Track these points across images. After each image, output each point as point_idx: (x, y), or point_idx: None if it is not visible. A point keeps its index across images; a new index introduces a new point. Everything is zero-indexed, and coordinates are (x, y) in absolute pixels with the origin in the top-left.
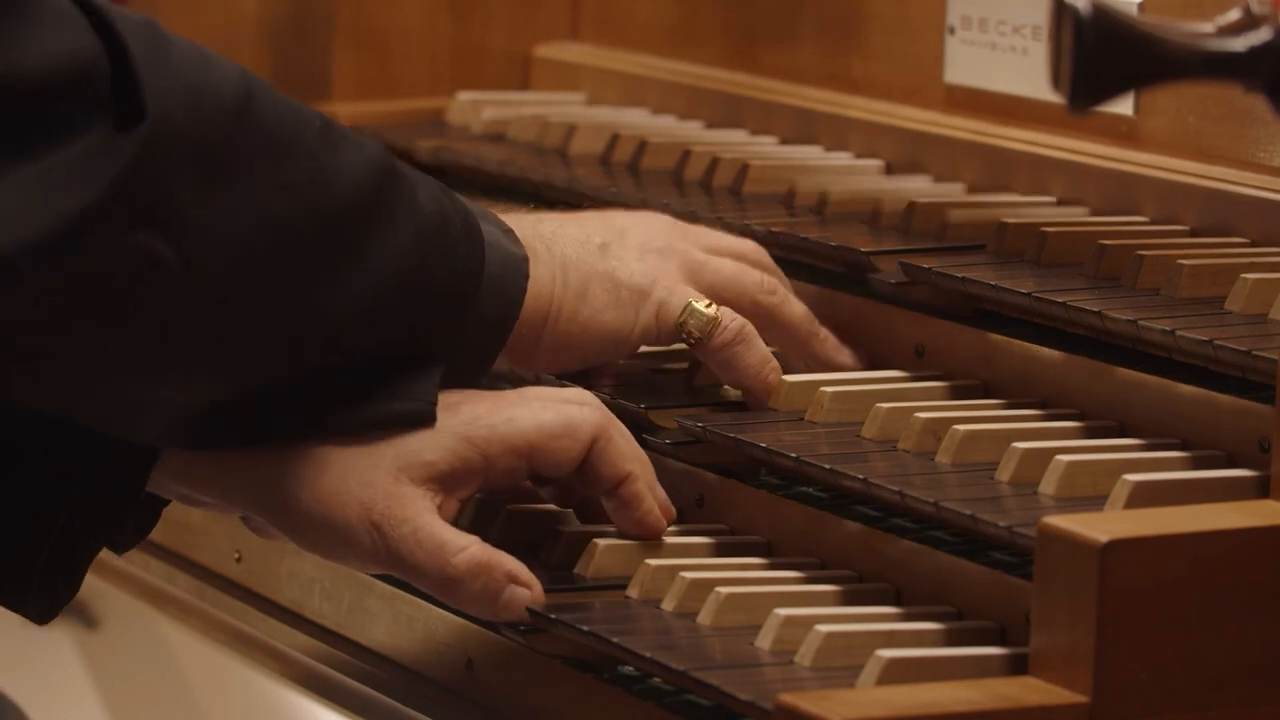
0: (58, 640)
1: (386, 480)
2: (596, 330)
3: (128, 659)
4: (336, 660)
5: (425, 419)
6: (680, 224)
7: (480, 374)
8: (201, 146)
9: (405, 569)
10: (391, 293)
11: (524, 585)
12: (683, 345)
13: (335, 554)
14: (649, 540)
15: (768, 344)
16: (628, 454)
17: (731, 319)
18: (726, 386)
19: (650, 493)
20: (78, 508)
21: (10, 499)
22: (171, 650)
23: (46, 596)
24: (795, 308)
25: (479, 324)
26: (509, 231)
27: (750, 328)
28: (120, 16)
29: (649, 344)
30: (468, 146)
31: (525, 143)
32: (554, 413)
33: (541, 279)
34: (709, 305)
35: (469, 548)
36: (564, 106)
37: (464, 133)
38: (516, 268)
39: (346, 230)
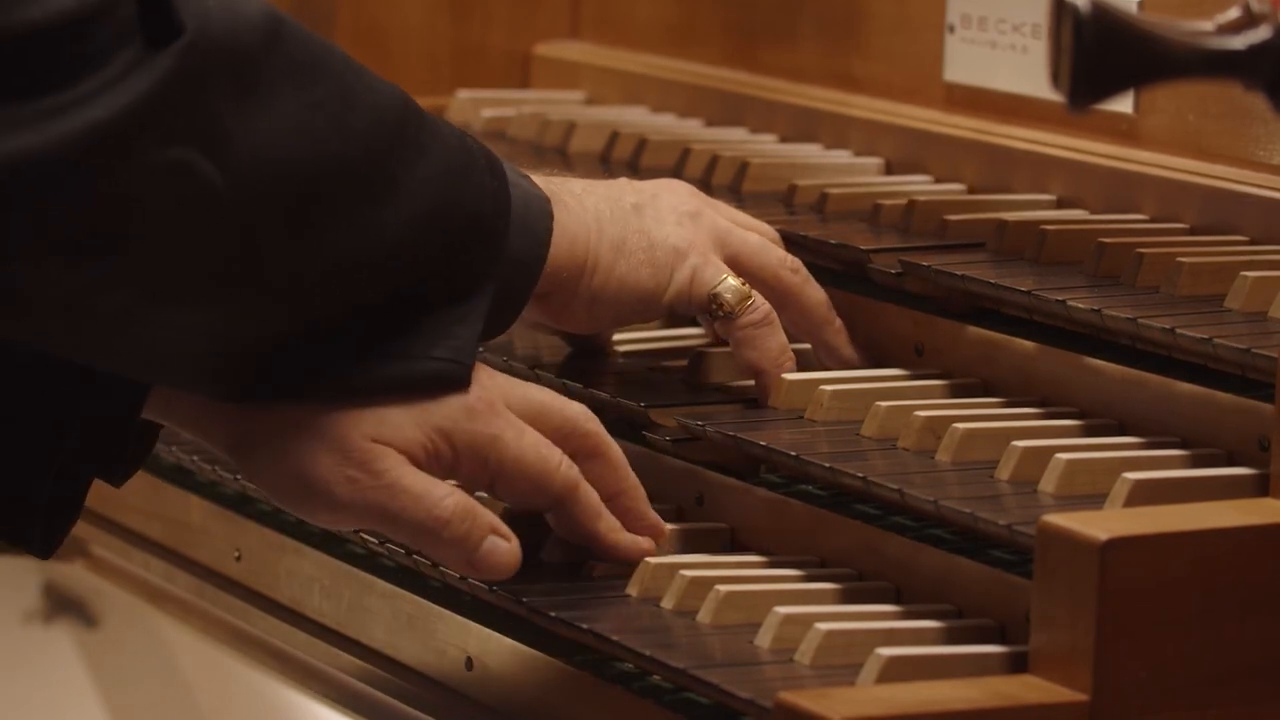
0: (57, 639)
1: (363, 440)
2: (633, 287)
3: (127, 658)
4: (336, 659)
5: (460, 381)
6: (701, 193)
7: (511, 318)
8: (237, 62)
9: (385, 516)
10: (424, 220)
11: (504, 538)
12: (682, 343)
13: (305, 506)
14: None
15: (781, 324)
16: (590, 512)
17: (762, 301)
18: (727, 384)
19: (616, 538)
20: (77, 436)
21: (10, 432)
22: (171, 649)
23: (48, 528)
24: (816, 291)
25: (512, 261)
26: (525, 175)
27: (775, 315)
28: None
29: (677, 309)
30: None
31: (525, 141)
32: (535, 456)
33: (575, 229)
34: (743, 282)
35: (453, 493)
36: (564, 105)
37: (464, 131)
38: (540, 207)
39: (377, 153)
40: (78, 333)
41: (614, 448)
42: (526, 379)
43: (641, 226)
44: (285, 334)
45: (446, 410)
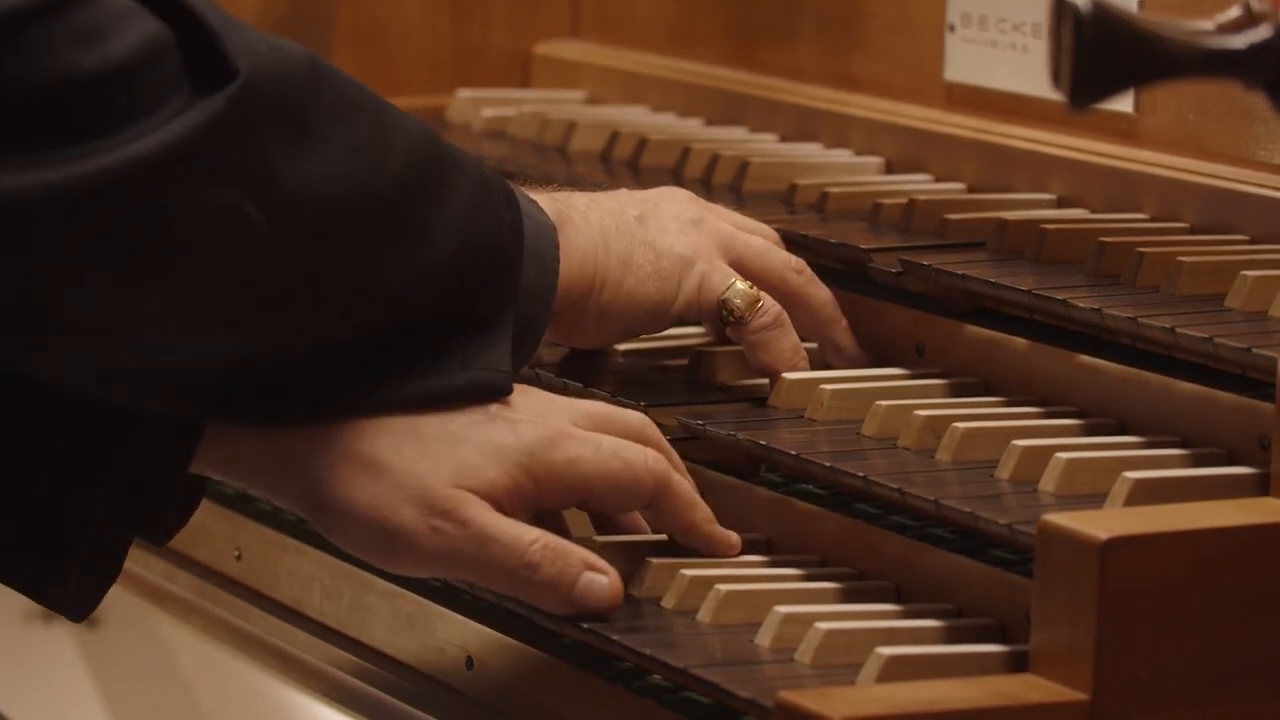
0: (58, 639)
1: (444, 486)
2: (641, 300)
3: (128, 657)
4: (337, 658)
5: (502, 389)
6: (701, 200)
7: (533, 346)
8: (287, 105)
9: (475, 566)
10: (454, 256)
11: (600, 571)
12: (682, 342)
13: (390, 559)
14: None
15: None
16: (687, 502)
17: (772, 303)
18: (727, 383)
19: (712, 527)
20: (115, 493)
21: (45, 483)
22: (172, 648)
23: (82, 589)
24: (821, 290)
25: (526, 291)
26: (533, 201)
27: (786, 315)
28: None
29: (686, 319)
30: (468, 144)
31: (525, 140)
32: (620, 462)
33: (584, 248)
34: (751, 286)
35: (541, 536)
36: (564, 105)
37: (464, 130)
38: (548, 235)
39: (411, 193)
40: (114, 357)
41: (674, 453)
42: (528, 380)
43: (646, 238)
44: (317, 357)
45: (520, 445)
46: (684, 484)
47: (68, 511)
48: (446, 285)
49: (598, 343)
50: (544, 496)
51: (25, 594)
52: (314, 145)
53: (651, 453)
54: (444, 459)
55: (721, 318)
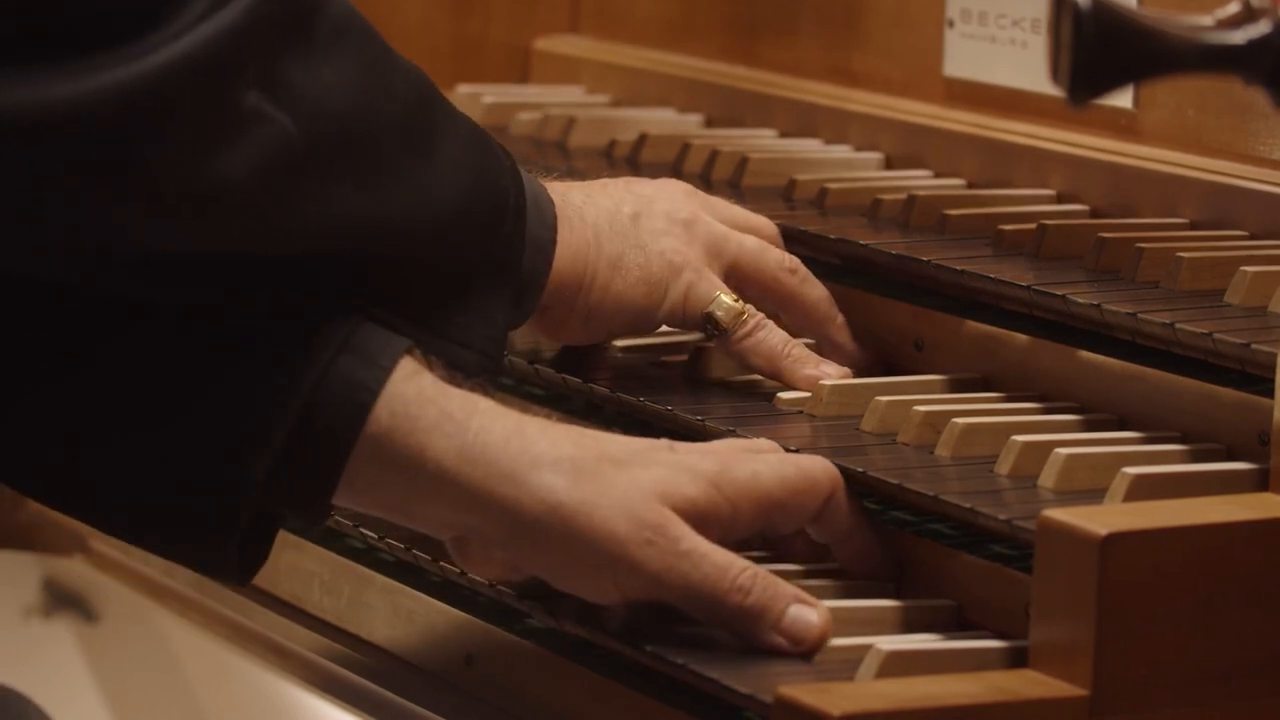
0: (58, 634)
1: (651, 501)
2: (628, 303)
3: (128, 652)
4: (336, 654)
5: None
6: (700, 193)
7: (529, 308)
8: (298, 17)
9: (685, 583)
10: (466, 187)
11: (810, 605)
12: (681, 337)
13: (599, 579)
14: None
15: (783, 325)
16: (855, 506)
17: (752, 312)
18: (727, 379)
19: (874, 539)
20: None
21: (205, 460)
22: (171, 644)
23: (246, 557)
24: (816, 289)
25: (533, 243)
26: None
27: (766, 320)
28: None
29: (670, 325)
30: None
31: (525, 136)
32: (794, 468)
33: (576, 245)
34: (736, 299)
35: (752, 565)
36: (564, 100)
37: None
38: (542, 192)
39: (419, 117)
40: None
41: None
42: (526, 375)
43: (638, 240)
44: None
45: (708, 465)
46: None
47: (227, 486)
48: (462, 218)
49: (582, 340)
50: (739, 518)
51: (189, 566)
52: (330, 55)
53: (818, 459)
54: (643, 477)
55: (706, 330)
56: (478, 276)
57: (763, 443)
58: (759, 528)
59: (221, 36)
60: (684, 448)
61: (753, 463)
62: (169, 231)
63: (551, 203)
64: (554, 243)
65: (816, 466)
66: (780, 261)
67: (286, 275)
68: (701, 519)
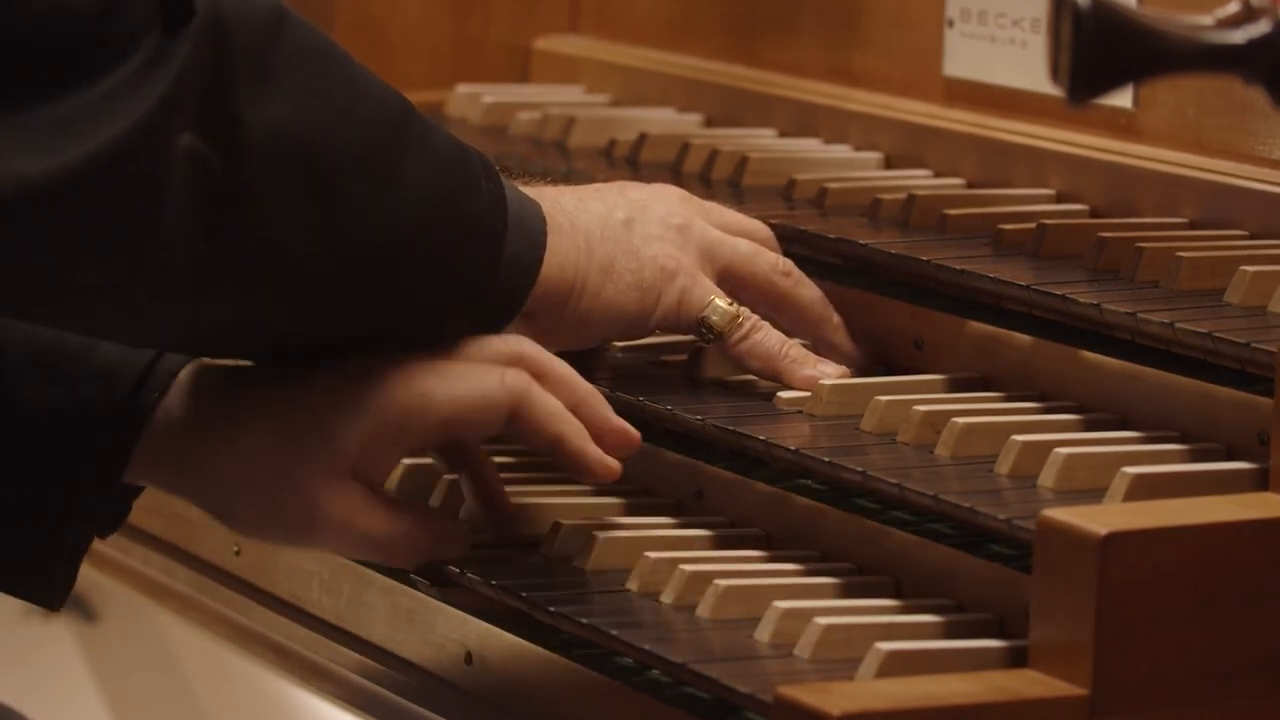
0: (57, 634)
1: (317, 480)
2: (620, 309)
3: (127, 652)
4: (336, 654)
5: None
6: (694, 199)
7: (509, 316)
8: (247, 48)
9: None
10: (429, 213)
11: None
12: (680, 337)
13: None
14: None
15: (780, 327)
16: (551, 415)
17: (747, 315)
18: (725, 378)
19: (583, 444)
20: (76, 497)
21: (28, 489)
22: (171, 643)
23: (65, 582)
24: (810, 291)
25: (510, 264)
26: (513, 184)
27: (762, 321)
28: None
29: (664, 330)
30: (467, 139)
31: (525, 135)
32: (469, 384)
33: (566, 252)
34: (730, 303)
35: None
36: (563, 100)
37: (463, 125)
38: (534, 210)
39: (382, 144)
40: (108, 317)
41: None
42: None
43: (631, 245)
44: (299, 325)
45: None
46: (565, 374)
47: (50, 513)
48: (423, 244)
49: (574, 346)
50: (410, 439)
51: (7, 591)
52: (280, 88)
53: (510, 370)
54: (307, 441)
55: (701, 335)
56: (444, 303)
57: (497, 348)
58: (445, 441)
59: (154, 109)
60: (385, 367)
61: (428, 379)
62: (106, 273)
63: (540, 215)
64: (539, 261)
65: (496, 383)
66: (774, 264)
67: (225, 306)
68: (370, 460)
